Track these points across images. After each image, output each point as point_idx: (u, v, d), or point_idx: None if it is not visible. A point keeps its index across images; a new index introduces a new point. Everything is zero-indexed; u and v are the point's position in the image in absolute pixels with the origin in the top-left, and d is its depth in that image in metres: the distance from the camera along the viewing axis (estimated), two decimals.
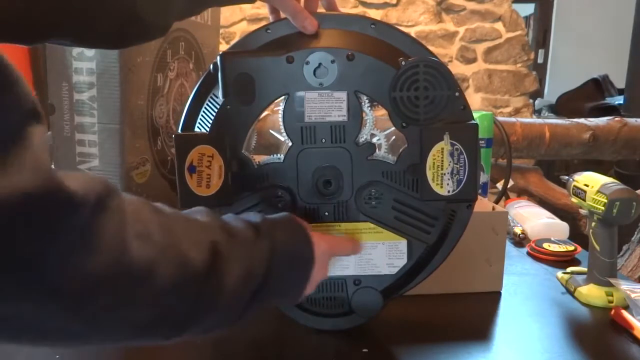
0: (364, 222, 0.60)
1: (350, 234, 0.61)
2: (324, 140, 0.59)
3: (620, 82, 3.18)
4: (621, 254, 1.45)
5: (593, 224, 0.74)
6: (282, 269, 0.49)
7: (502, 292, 0.78)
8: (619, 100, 3.11)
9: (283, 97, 0.58)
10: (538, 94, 3.64)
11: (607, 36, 4.19)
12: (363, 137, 0.59)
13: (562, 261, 0.90)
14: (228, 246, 0.44)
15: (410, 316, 0.70)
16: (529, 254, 0.95)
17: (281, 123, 0.59)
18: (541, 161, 2.36)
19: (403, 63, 0.56)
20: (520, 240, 1.01)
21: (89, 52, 0.77)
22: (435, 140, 0.58)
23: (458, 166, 0.58)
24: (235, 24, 3.05)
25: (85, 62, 0.77)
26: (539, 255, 0.93)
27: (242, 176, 0.59)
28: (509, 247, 0.95)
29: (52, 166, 0.31)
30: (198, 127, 0.60)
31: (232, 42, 0.62)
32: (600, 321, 0.70)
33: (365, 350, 0.61)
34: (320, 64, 0.57)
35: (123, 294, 0.35)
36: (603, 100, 3.19)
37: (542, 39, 4.64)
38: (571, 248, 0.93)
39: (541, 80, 4.16)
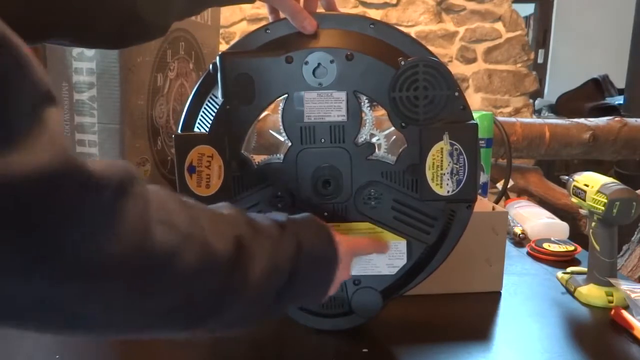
0: (363, 222, 0.60)
1: (347, 233, 0.61)
2: (323, 140, 0.59)
3: (620, 82, 3.18)
4: (621, 254, 1.44)
5: (593, 224, 0.74)
6: (307, 268, 0.48)
7: (502, 292, 0.78)
8: (619, 100, 3.11)
9: (282, 97, 0.58)
10: (538, 94, 3.64)
11: (607, 36, 4.19)
12: (362, 137, 0.59)
13: (562, 261, 0.90)
14: (253, 242, 0.44)
15: (410, 316, 0.70)
16: (529, 254, 0.95)
17: (281, 123, 0.59)
18: (541, 161, 2.36)
19: (402, 63, 0.56)
20: (520, 240, 1.01)
21: (89, 52, 0.77)
22: (434, 140, 0.58)
23: (458, 166, 0.58)
24: (235, 24, 3.05)
25: (85, 62, 0.77)
26: (539, 255, 0.93)
27: (241, 176, 0.59)
28: (509, 247, 0.95)
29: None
30: (198, 127, 0.60)
31: (232, 42, 0.62)
32: (600, 321, 0.70)
33: (365, 350, 0.61)
34: (319, 64, 0.57)
35: (143, 278, 0.35)
36: (603, 100, 3.19)
37: (542, 39, 4.64)
38: (571, 248, 0.93)
39: (541, 80, 4.16)
